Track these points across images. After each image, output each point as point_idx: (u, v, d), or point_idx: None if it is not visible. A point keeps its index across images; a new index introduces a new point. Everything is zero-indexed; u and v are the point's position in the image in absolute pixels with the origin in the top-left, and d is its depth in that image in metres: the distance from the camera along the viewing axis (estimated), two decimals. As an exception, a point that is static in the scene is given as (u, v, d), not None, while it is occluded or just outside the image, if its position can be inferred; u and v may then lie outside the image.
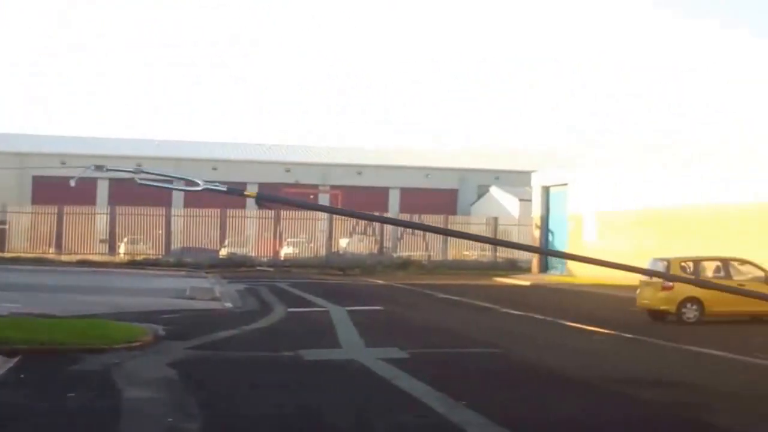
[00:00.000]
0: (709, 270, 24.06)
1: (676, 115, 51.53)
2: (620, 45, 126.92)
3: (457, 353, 17.23)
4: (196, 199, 62.82)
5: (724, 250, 27.40)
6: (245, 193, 7.50)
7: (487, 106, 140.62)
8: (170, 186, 9.40)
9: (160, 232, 57.23)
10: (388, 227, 58.65)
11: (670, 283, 22.84)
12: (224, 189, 8.09)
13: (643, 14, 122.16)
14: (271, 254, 55.78)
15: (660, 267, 23.56)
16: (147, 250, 55.56)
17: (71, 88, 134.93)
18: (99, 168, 7.76)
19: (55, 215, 55.98)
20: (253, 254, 55.84)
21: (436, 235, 57.02)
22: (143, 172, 7.68)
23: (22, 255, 52.09)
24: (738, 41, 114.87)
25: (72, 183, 8.12)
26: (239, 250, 55.62)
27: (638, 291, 24.77)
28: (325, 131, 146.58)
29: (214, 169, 71.19)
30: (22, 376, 13.41)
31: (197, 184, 7.31)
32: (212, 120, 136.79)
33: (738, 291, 18.12)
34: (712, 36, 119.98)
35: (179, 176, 7.92)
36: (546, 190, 51.71)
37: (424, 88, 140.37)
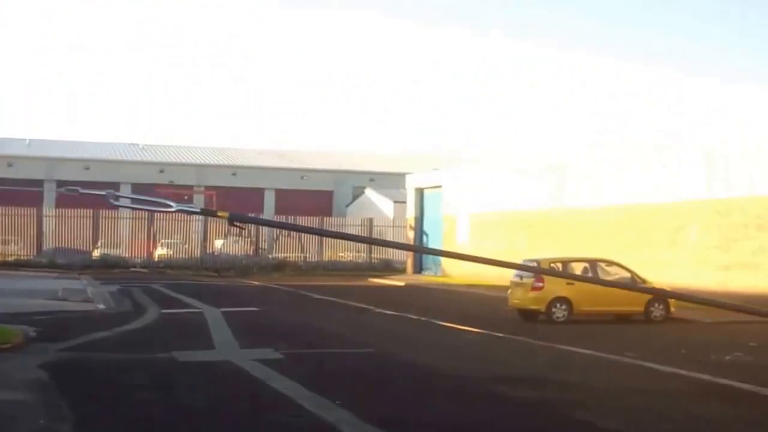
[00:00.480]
0: (577, 270, 24.85)
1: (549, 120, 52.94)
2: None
3: (332, 353, 17.49)
4: (68, 199, 61.69)
5: (591, 252, 28.49)
6: (218, 214, 7.62)
7: (360, 110, 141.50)
8: (144, 207, 9.41)
9: (32, 232, 55.91)
10: (263, 228, 58.60)
11: (540, 284, 23.68)
12: (198, 210, 8.26)
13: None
14: (146, 255, 55.05)
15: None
16: (18, 250, 54.23)
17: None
18: (71, 190, 7.94)
19: None
20: (127, 255, 55.03)
21: (311, 236, 57.30)
22: (119, 196, 7.84)
23: None
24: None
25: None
26: (113, 252, 54.76)
27: (509, 291, 25.40)
28: (201, 131, 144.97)
29: (87, 168, 69.89)
30: None
31: (170, 206, 7.43)
32: (84, 118, 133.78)
33: (609, 283, 19.19)
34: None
35: (152, 199, 8.07)
36: (420, 192, 52.44)
37: (301, 90, 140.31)
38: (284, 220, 60.18)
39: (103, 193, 7.64)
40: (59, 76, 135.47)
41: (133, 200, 8.63)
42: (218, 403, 12.26)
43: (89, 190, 7.93)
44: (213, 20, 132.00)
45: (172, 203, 7.44)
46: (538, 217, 39.56)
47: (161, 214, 56.97)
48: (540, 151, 42.51)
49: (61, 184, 66.24)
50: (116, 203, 7.99)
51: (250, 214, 58.43)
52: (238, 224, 8.63)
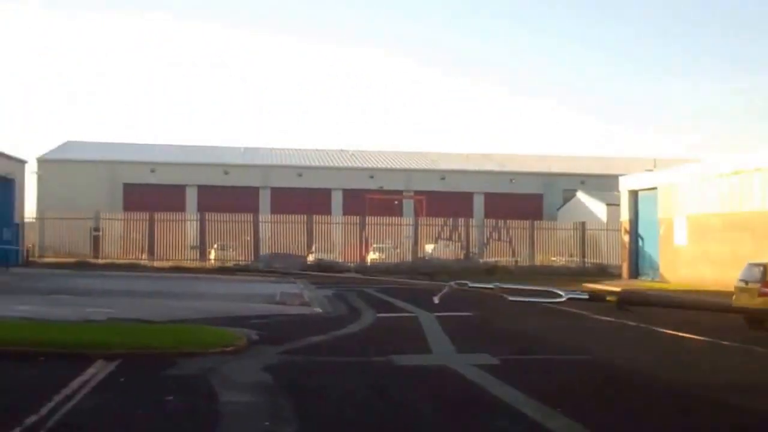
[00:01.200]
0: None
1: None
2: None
3: (548, 360, 17.09)
4: (282, 205, 63.67)
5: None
6: (607, 299, 7.75)
7: (569, 112, 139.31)
8: (536, 299, 9.50)
9: (249, 238, 57.95)
10: (474, 233, 58.54)
11: (768, 289, 22.34)
12: (587, 297, 8.44)
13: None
14: (358, 260, 56.03)
15: (756, 272, 23.03)
16: (236, 256, 56.38)
17: (163, 97, 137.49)
18: (461, 284, 8.35)
19: (147, 222, 57.17)
20: (340, 260, 56.17)
21: (522, 240, 56.75)
22: (508, 288, 8.19)
23: (116, 261, 53.30)
24: None
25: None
26: (326, 256, 56.04)
27: (734, 297, 24.14)
28: (409, 136, 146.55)
29: (299, 175, 71.85)
30: (121, 379, 13.66)
31: (560, 296, 7.60)
32: (297, 126, 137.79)
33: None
34: None
35: (541, 289, 8.27)
36: (634, 194, 50.95)
37: (512, 94, 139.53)
38: (494, 224, 60.15)
39: (491, 286, 7.90)
40: (151, 87, 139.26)
41: (525, 293, 8.75)
42: (437, 408, 12.10)
43: (475, 284, 8.25)
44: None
45: (560, 292, 7.54)
46: (762, 218, 37.52)
47: (372, 220, 58.15)
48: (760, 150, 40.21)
49: (275, 190, 68.44)
50: (512, 298, 8.26)
51: (451, 219, 58.72)
52: (626, 307, 8.68)
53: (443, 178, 74.03)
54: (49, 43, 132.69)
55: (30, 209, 59.05)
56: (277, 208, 64.87)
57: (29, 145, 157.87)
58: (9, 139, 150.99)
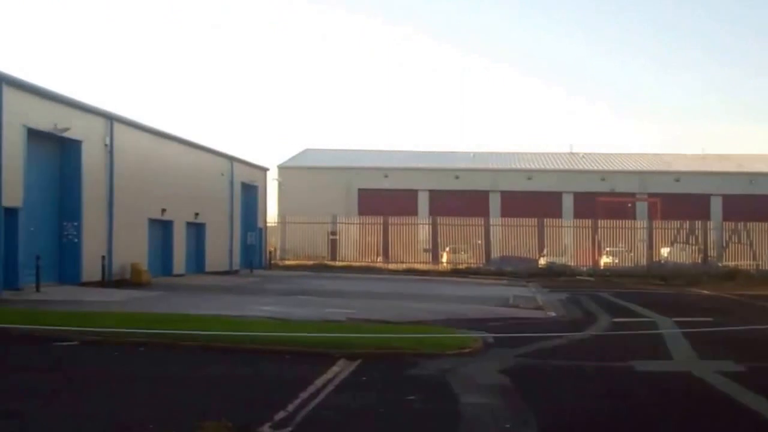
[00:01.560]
0: None
1: None
2: None
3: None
4: (512, 208, 63.61)
5: None
6: None
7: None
8: None
9: (480, 241, 58.33)
10: (711, 236, 56.48)
11: None
12: None
13: None
14: (590, 263, 55.26)
15: None
16: (468, 259, 56.84)
17: (394, 105, 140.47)
18: None
19: (381, 225, 58.59)
20: (572, 263, 55.57)
21: (763, 243, 54.28)
22: None
23: (352, 263, 54.97)
24: None
25: None
26: (558, 260, 55.62)
27: None
28: (641, 138, 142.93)
29: (529, 178, 71.35)
30: (363, 378, 14.02)
31: None
32: (524, 130, 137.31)
33: None
34: None
35: None
36: None
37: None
38: (733, 227, 57.77)
39: None
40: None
41: None
42: (684, 416, 11.77)
43: None
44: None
45: None
46: None
47: (604, 223, 57.15)
48: None
49: (504, 194, 68.51)
50: None
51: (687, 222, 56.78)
52: None
53: (678, 180, 71.49)
54: (291, 58, 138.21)
55: (271, 214, 61.86)
56: (506, 211, 64.87)
57: (270, 154, 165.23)
58: (253, 148, 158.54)
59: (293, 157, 76.61)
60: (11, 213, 28.18)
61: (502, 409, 11.68)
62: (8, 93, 27.97)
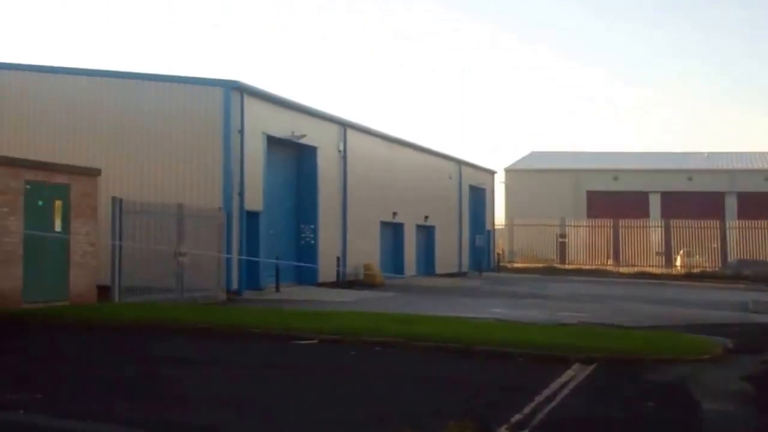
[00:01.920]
0: None
1: None
2: None
3: None
4: (750, 211, 60.98)
5: None
6: None
7: None
8: None
9: (715, 245, 56.42)
10: None
11: None
12: None
13: None
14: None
15: None
16: (703, 262, 55.15)
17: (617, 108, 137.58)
18: None
19: (611, 228, 57.67)
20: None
21: None
22: None
23: (582, 266, 54.41)
24: None
25: None
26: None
27: None
28: None
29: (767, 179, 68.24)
30: (599, 383, 13.83)
31: None
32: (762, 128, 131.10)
33: None
34: None
35: None
36: None
37: None
38: None
39: None
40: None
41: None
42: None
43: None
44: None
45: None
46: None
47: None
48: None
49: (742, 195, 65.72)
50: None
51: None
52: None
53: None
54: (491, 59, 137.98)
55: (498, 216, 62.10)
56: (744, 213, 62.26)
57: (498, 157, 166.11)
58: (481, 151, 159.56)
59: (520, 160, 76.58)
60: (253, 216, 29.65)
61: (746, 418, 11.31)
62: (249, 103, 29.46)
